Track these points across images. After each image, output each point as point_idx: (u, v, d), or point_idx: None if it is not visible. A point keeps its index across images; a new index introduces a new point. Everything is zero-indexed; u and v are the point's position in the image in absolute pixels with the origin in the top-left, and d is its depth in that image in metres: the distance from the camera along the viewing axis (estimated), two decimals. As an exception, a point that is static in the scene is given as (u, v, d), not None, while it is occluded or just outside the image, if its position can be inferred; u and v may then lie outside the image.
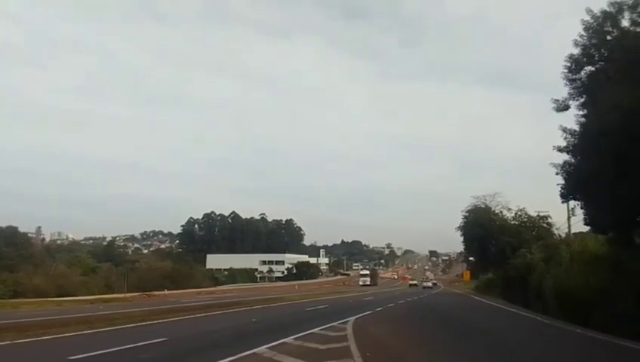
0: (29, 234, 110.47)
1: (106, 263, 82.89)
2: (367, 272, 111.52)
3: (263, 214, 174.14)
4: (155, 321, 19.49)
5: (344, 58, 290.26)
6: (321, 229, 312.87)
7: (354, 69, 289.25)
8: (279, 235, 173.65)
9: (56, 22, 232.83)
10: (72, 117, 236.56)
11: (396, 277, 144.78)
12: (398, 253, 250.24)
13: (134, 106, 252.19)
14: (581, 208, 19.45)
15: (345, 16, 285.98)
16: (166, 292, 54.98)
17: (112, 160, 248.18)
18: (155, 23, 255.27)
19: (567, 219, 30.37)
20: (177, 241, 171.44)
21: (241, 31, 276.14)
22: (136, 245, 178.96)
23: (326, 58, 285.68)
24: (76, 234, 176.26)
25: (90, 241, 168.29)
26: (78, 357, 10.28)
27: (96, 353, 10.74)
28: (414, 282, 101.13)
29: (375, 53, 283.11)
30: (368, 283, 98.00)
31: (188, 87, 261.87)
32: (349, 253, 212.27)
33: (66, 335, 14.93)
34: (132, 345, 11.93)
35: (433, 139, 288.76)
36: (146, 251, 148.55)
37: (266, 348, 11.13)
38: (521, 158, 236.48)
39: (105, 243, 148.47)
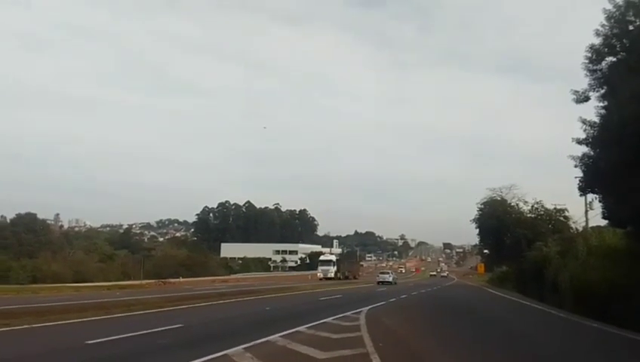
0: (48, 221, 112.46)
1: (123, 250, 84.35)
2: (331, 258, 71.94)
3: (277, 204, 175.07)
4: (170, 308, 19.73)
5: (359, 45, 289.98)
6: (334, 220, 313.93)
7: (369, 57, 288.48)
8: (293, 225, 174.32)
9: (69, 8, 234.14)
10: (89, 106, 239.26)
11: (404, 271, 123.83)
12: (412, 244, 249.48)
13: (151, 94, 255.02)
14: (599, 201, 19.19)
15: (360, 4, 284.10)
16: (181, 279, 55.59)
17: (129, 148, 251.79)
18: (168, 10, 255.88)
19: (585, 212, 29.98)
20: (192, 230, 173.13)
21: (256, 18, 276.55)
22: (152, 233, 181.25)
23: (340, 45, 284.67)
24: (93, 221, 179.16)
25: (107, 229, 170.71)
26: (95, 341, 10.46)
27: (113, 337, 10.91)
28: (433, 273, 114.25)
29: (390, 41, 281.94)
30: (331, 275, 63.74)
31: (203, 75, 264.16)
32: (362, 243, 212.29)
33: (84, 320, 15.17)
34: (148, 331, 12.10)
35: (448, 129, 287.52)
36: (161, 239, 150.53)
37: (280, 336, 11.21)
38: (539, 150, 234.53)
39: (121, 231, 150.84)
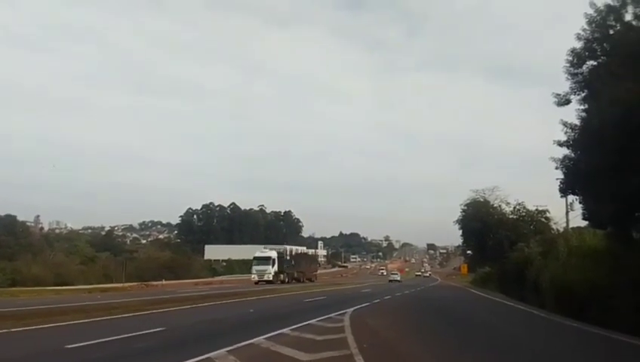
0: (28, 223, 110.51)
1: (105, 253, 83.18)
2: (269, 255, 54.23)
3: (262, 205, 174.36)
4: (152, 311, 19.49)
5: (347, 48, 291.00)
6: (319, 221, 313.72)
7: (356, 60, 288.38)
8: (278, 227, 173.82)
9: (56, 7, 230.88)
10: (72, 104, 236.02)
11: (385, 273, 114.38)
12: (396, 245, 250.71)
13: (134, 94, 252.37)
14: (580, 203, 19.46)
15: (349, 7, 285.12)
16: (164, 282, 55.03)
17: (111, 149, 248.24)
18: (156, 10, 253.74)
19: (566, 213, 30.48)
20: (176, 232, 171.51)
21: (244, 19, 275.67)
22: (134, 235, 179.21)
23: (329, 48, 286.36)
24: (75, 223, 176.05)
25: (89, 231, 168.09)
26: (75, 345, 10.28)
27: (94, 341, 10.75)
28: (419, 273, 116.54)
29: (379, 44, 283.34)
30: (269, 277, 51.06)
31: (188, 75, 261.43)
32: (347, 245, 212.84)
33: (64, 323, 14.91)
34: (130, 334, 11.94)
35: (434, 132, 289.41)
36: (144, 241, 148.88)
37: (264, 338, 11.15)
38: (521, 152, 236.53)
39: (103, 233, 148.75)
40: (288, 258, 57.70)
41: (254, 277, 51.70)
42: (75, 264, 62.79)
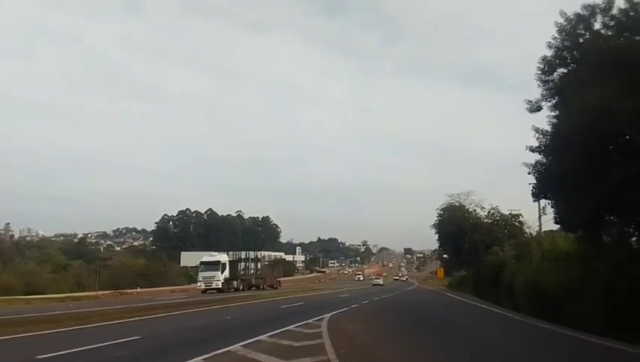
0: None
1: (78, 260, 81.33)
2: (218, 259, 48.13)
3: (240, 211, 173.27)
4: (127, 319, 19.16)
5: (324, 54, 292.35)
6: (297, 227, 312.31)
7: (333, 65, 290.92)
8: (256, 232, 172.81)
9: (30, 11, 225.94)
10: (44, 109, 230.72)
11: (362, 278, 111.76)
12: (374, 250, 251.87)
13: (109, 99, 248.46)
14: (552, 207, 19.87)
15: (325, 12, 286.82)
16: (139, 290, 54.08)
17: (85, 154, 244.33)
18: (134, 15, 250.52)
19: (538, 217, 31.14)
20: (151, 238, 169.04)
21: (221, 25, 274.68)
22: (108, 242, 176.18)
23: (305, 53, 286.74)
24: (46, 230, 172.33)
25: (61, 238, 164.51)
26: (47, 356, 10.04)
27: (66, 352, 10.51)
28: (397, 277, 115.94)
29: (355, 50, 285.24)
30: (217, 285, 45.24)
31: (164, 80, 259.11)
32: (325, 250, 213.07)
33: (35, 333, 14.55)
34: (104, 344, 11.70)
35: (411, 137, 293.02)
36: (118, 248, 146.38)
37: (241, 345, 11.07)
38: (496, 157, 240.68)
39: (76, 240, 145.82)
40: (244, 262, 53.00)
41: (200, 284, 45.62)
42: (47, 272, 61.18)
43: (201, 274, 46.73)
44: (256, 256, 58.16)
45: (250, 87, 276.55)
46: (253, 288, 48.76)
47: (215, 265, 46.34)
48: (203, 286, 45.45)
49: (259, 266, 55.77)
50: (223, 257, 48.75)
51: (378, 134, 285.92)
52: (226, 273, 46.27)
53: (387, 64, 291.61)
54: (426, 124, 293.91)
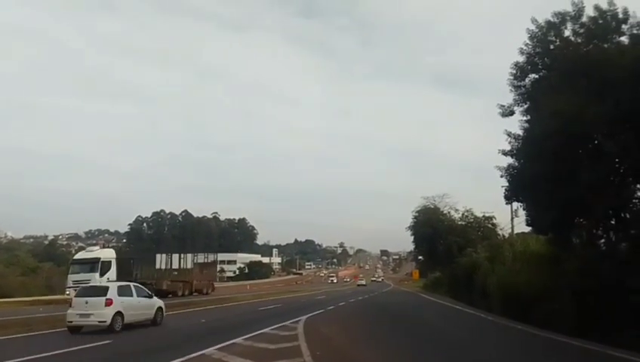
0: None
1: (48, 263, 79.30)
2: (96, 256, 32.69)
3: (216, 213, 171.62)
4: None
5: (301, 56, 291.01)
6: (274, 228, 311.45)
7: (310, 67, 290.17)
8: (232, 234, 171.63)
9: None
10: (13, 107, 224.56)
11: (335, 281, 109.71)
12: (351, 252, 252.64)
13: (80, 98, 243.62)
14: (523, 209, 20.26)
15: (302, 14, 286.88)
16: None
17: (56, 154, 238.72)
18: (107, 11, 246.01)
19: (511, 219, 31.62)
20: (124, 241, 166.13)
21: (195, 24, 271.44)
22: (80, 244, 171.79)
23: (282, 55, 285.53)
24: (15, 232, 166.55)
25: (31, 240, 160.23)
26: (17, 360, 9.81)
27: (35, 356, 10.29)
28: (374, 279, 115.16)
29: (331, 52, 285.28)
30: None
31: (138, 79, 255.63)
32: (302, 252, 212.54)
33: (4, 338, 14.19)
34: (75, 348, 11.50)
35: (386, 139, 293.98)
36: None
37: (215, 349, 10.99)
38: (470, 160, 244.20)
39: (46, 242, 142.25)
40: (148, 260, 42.20)
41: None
42: (16, 275, 59.59)
43: (72, 278, 31.58)
44: (172, 254, 46.60)
45: (226, 86, 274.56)
46: (166, 294, 33.62)
47: (91, 265, 31.70)
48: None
49: (177, 266, 44.92)
50: (106, 253, 34.66)
51: (355, 136, 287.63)
52: (111, 275, 31.09)
53: (362, 67, 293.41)
54: (402, 126, 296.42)
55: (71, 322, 15.45)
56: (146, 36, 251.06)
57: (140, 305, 17.16)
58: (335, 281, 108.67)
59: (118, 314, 15.53)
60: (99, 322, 15.24)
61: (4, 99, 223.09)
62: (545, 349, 12.36)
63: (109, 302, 15.41)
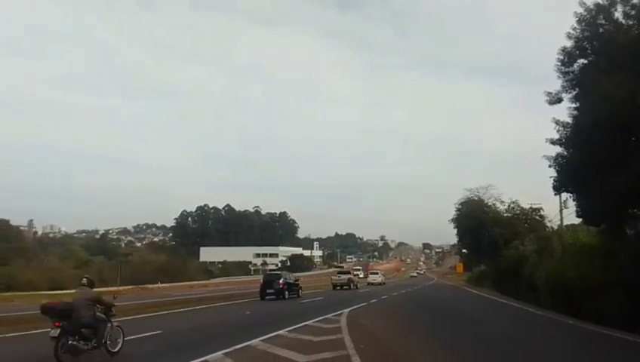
0: (21, 228, 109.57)
1: (99, 256, 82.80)
2: None
3: (257, 207, 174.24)
4: (150, 314, 19.46)
5: (337, 49, 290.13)
6: (315, 222, 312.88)
7: (347, 61, 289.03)
8: (273, 228, 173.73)
9: (38, 9, 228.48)
10: (64, 108, 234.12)
11: (362, 276, 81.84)
12: (392, 245, 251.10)
13: (126, 97, 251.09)
14: (573, 200, 19.59)
15: (337, 6, 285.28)
16: (160, 285, 54.87)
17: (105, 152, 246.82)
18: (143, 10, 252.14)
19: (560, 211, 30.55)
20: (171, 234, 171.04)
21: (230, 20, 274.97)
22: (129, 238, 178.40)
23: (318, 49, 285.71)
24: (69, 227, 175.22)
25: (83, 234, 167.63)
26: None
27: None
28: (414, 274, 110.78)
29: (367, 45, 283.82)
30: None
31: (180, 77, 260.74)
32: (342, 245, 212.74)
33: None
34: (127, 338, 11.89)
35: (427, 132, 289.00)
36: (139, 244, 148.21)
37: (260, 340, 11.16)
38: (515, 151, 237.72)
39: (97, 237, 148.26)
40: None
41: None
42: (69, 268, 62.43)
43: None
44: None
45: (266, 82, 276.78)
46: None
47: None
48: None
49: None
50: None
51: (394, 129, 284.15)
52: None
53: (401, 59, 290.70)
54: (442, 118, 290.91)
55: None
56: (184, 34, 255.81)
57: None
58: (361, 276, 78.40)
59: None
60: None
61: (54, 99, 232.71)
62: (598, 344, 11.94)
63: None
